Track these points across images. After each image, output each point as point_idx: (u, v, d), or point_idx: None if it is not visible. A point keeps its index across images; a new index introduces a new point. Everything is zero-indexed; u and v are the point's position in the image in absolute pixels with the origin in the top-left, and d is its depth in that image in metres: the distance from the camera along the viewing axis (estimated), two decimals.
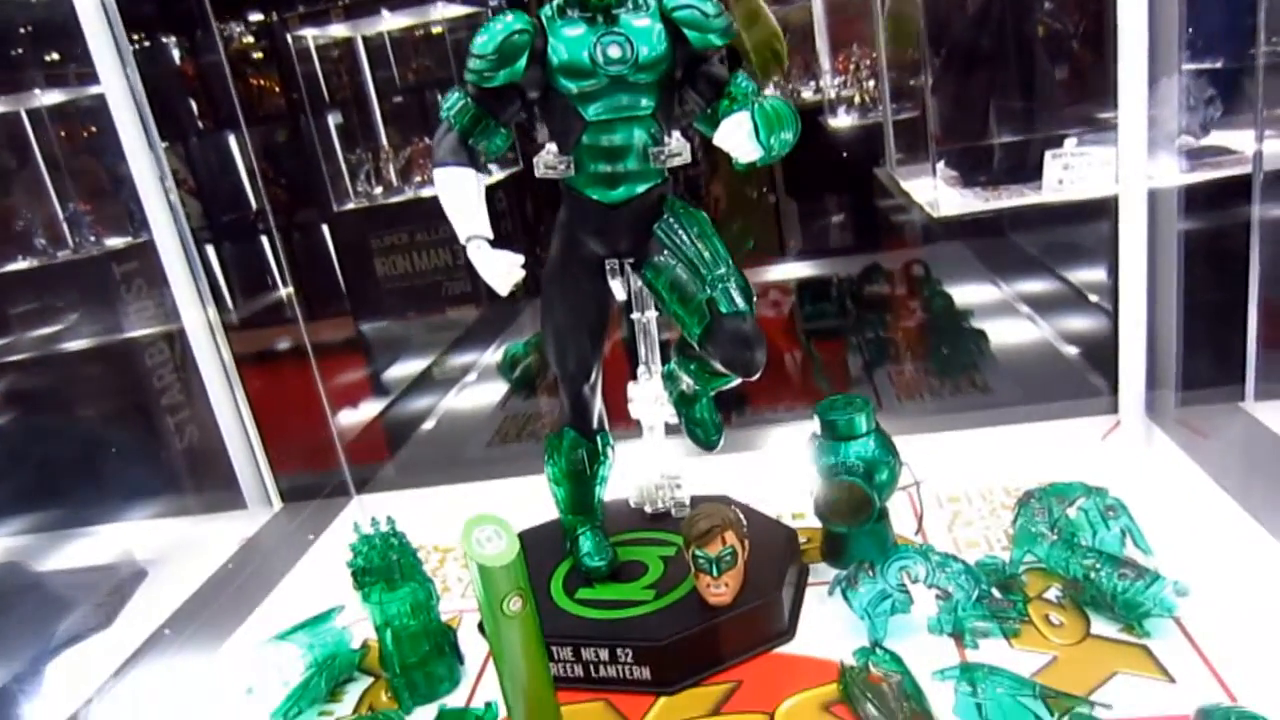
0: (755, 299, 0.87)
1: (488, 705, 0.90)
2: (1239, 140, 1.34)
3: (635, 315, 1.01)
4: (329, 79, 2.58)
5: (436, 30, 2.60)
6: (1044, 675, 0.81)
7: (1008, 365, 1.76)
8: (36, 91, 2.17)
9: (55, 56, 2.10)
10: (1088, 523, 0.96)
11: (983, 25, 1.75)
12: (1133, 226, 1.23)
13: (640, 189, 0.90)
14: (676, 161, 0.89)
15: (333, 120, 2.59)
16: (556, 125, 0.90)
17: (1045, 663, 0.84)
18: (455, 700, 0.94)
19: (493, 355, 2.21)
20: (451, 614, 1.06)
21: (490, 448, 1.85)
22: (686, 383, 1.01)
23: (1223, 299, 1.34)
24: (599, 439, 1.03)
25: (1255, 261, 1.28)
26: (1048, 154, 1.57)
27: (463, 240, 0.87)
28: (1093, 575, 0.88)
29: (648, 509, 1.12)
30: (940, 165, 1.80)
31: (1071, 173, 1.55)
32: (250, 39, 2.66)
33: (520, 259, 0.86)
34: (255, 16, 2.61)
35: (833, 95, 2.08)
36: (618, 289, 0.94)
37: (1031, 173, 1.63)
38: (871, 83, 2.04)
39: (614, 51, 0.84)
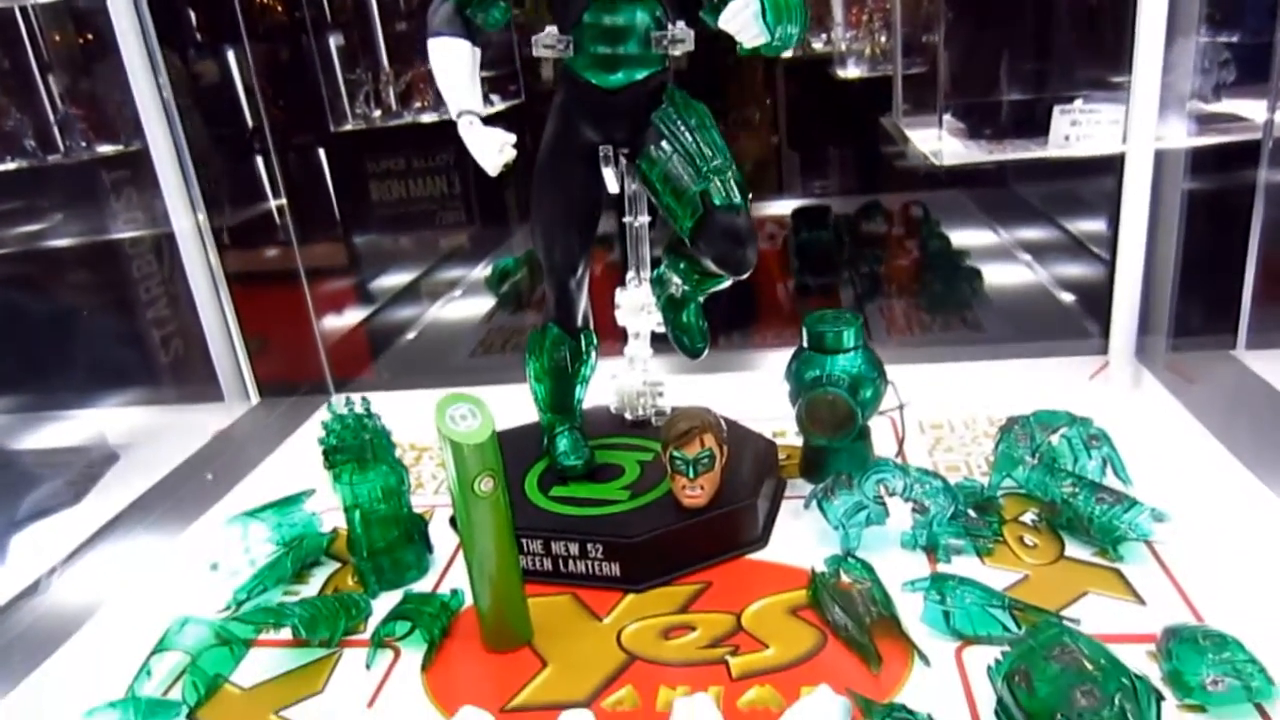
0: (750, 196, 0.85)
1: (454, 592, 0.89)
2: (1250, 109, 1.35)
3: (627, 219, 0.98)
4: None
5: None
6: (1015, 591, 0.81)
7: (1001, 305, 1.75)
8: None
9: None
10: (1070, 450, 0.95)
11: None
12: (1137, 183, 1.22)
13: (640, 75, 0.86)
14: (679, 49, 0.86)
15: (334, 41, 2.52)
16: (558, 2, 0.86)
17: (1016, 579, 0.83)
18: (422, 589, 0.93)
19: (481, 271, 2.19)
20: (424, 508, 1.05)
21: (474, 358, 1.84)
22: (676, 283, 0.99)
23: (1220, 255, 1.34)
24: (582, 337, 1.02)
25: (1258, 219, 1.29)
26: (1056, 109, 1.54)
27: (454, 115, 0.84)
28: (1071, 498, 0.88)
29: (628, 415, 1.11)
30: (947, 117, 1.78)
31: (1079, 129, 1.52)
32: None
33: (512, 137, 0.84)
34: None
35: (843, 48, 2.05)
36: (610, 178, 0.92)
37: (1038, 128, 1.61)
38: (883, 36, 2.00)
39: None
